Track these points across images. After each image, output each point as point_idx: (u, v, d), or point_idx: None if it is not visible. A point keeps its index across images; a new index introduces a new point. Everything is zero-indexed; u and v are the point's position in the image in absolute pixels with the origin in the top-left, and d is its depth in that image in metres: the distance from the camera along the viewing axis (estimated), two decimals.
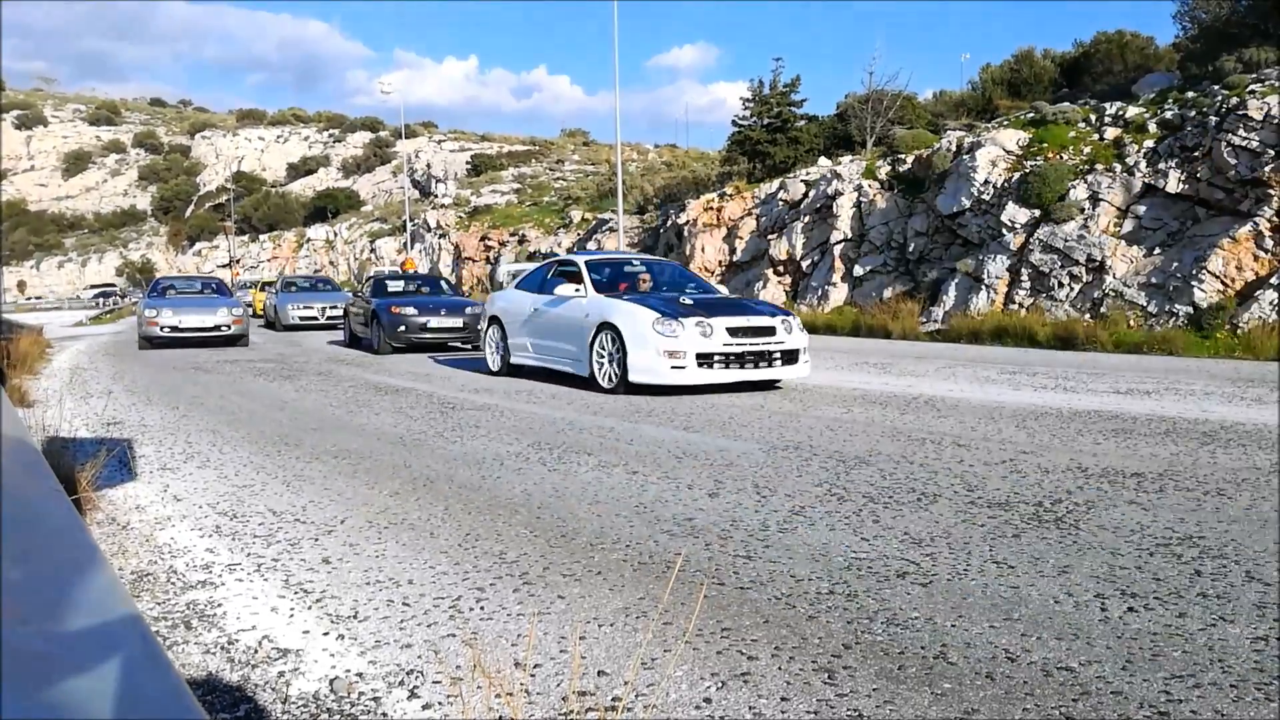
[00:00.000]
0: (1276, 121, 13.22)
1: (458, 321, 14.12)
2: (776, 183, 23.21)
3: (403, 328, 13.64)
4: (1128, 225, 14.66)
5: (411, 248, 45.31)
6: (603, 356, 8.44)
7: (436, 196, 55.64)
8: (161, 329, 15.43)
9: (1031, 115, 18.31)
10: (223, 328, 15.83)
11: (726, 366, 8.11)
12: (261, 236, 69.42)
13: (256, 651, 2.57)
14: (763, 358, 8.23)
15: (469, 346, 13.98)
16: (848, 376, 9.69)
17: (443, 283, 17.86)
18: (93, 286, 69.49)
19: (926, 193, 18.33)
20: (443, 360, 12.63)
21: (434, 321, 13.93)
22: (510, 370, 10.23)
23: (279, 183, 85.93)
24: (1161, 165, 14.63)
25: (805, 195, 21.45)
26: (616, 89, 32.07)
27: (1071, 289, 14.83)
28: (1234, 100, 14.05)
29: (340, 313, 19.71)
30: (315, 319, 21.42)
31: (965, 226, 17.07)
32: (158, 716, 0.63)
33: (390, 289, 15.79)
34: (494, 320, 10.60)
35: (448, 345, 14.36)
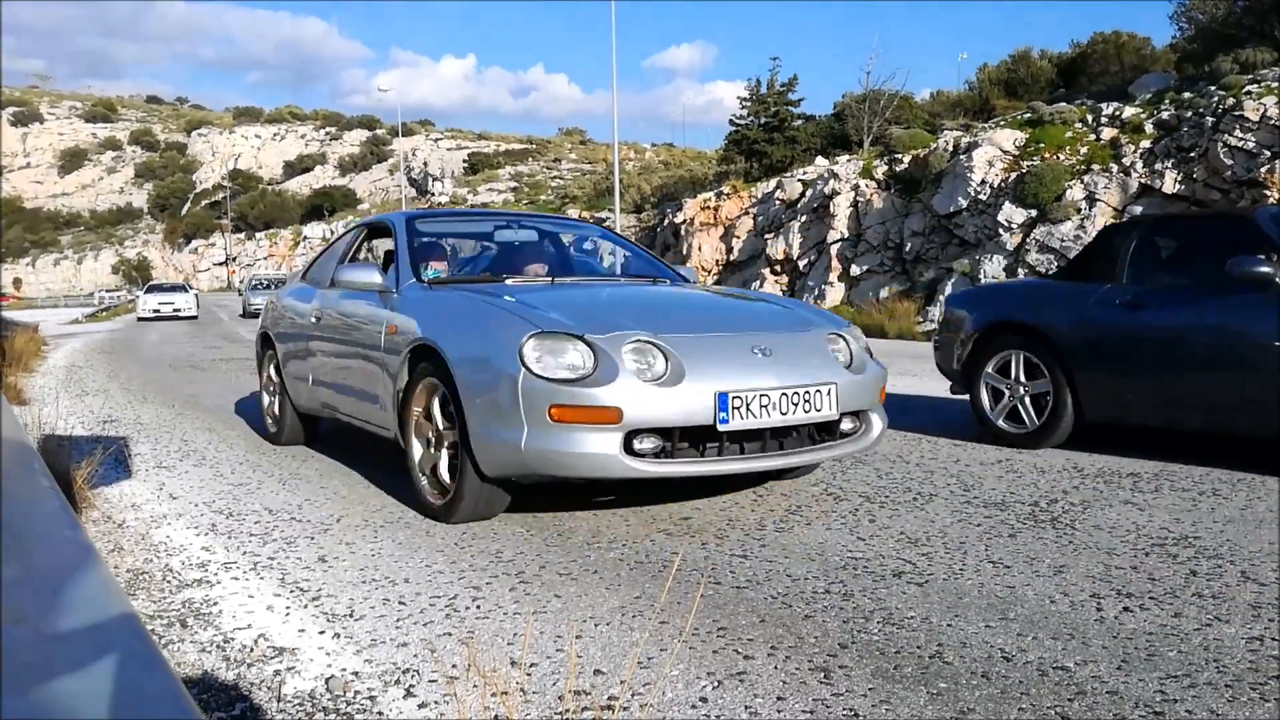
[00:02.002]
0: (1273, 122, 13.25)
1: None
2: (773, 182, 23.22)
3: None
4: None
5: None
6: None
7: (433, 195, 55.58)
8: None
9: (1028, 115, 18.32)
10: None
11: None
12: (258, 234, 69.35)
13: (252, 650, 2.56)
14: None
15: None
16: None
17: None
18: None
19: (923, 192, 18.34)
20: None
21: None
22: None
23: (275, 181, 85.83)
24: (1158, 166, 14.65)
25: (802, 195, 21.46)
26: (614, 88, 32.06)
27: None
28: (1230, 101, 14.07)
29: None
30: None
31: (962, 226, 17.09)
32: (153, 716, 0.63)
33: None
34: None
35: None
